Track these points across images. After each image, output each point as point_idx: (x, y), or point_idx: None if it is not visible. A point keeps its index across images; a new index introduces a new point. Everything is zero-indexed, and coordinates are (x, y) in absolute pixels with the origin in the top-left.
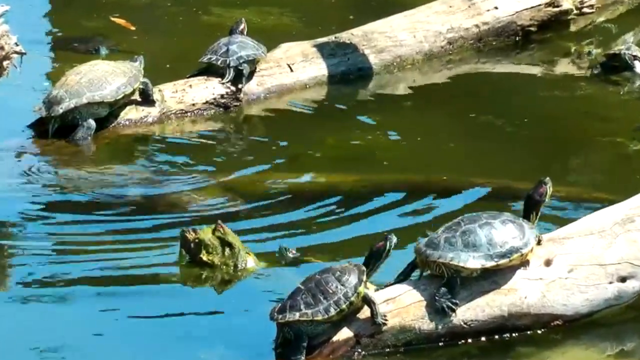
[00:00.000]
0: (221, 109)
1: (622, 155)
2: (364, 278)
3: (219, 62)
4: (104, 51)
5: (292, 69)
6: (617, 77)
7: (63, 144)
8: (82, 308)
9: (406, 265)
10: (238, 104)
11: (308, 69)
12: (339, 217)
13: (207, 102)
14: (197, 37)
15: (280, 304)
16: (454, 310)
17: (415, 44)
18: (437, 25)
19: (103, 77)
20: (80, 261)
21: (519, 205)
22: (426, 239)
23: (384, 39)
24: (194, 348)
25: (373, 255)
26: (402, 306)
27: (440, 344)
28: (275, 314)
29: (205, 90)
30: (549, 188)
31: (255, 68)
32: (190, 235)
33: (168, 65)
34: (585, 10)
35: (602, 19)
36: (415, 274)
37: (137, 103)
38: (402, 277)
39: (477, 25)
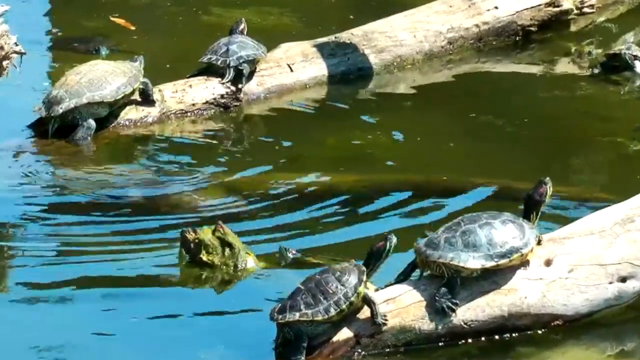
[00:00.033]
0: (221, 109)
1: (622, 155)
2: (364, 278)
3: (219, 62)
4: (104, 51)
5: (292, 69)
6: (618, 77)
7: (63, 144)
8: (82, 308)
9: (406, 265)
10: (238, 104)
11: (308, 69)
12: (339, 217)
13: (207, 102)
14: (197, 37)
15: (280, 304)
16: (454, 311)
17: (416, 44)
18: (437, 25)
19: (103, 77)
20: (80, 262)
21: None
22: (426, 239)
23: (384, 38)
24: (194, 348)
25: (373, 256)
26: (402, 306)
27: (441, 344)
28: (275, 314)
29: (205, 90)
30: (549, 188)
31: (255, 68)
32: (190, 236)
33: (168, 65)
34: (586, 10)
35: (602, 18)
36: (416, 274)
37: (137, 103)
38: (402, 277)
39: (477, 25)
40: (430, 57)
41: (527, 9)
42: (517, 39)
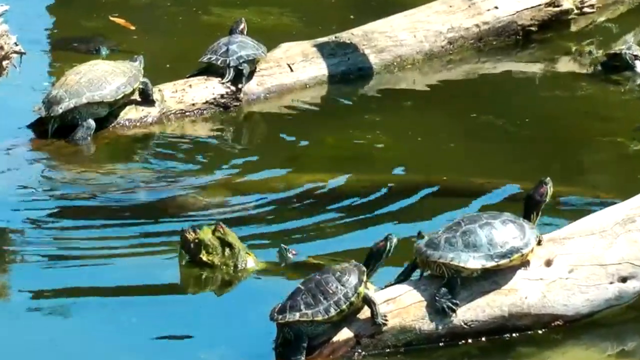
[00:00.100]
0: (221, 109)
1: (623, 155)
2: (364, 278)
3: (219, 62)
4: (104, 51)
5: (292, 69)
6: (618, 76)
7: (63, 144)
8: (82, 308)
9: (406, 266)
10: (238, 103)
11: (308, 68)
12: (339, 217)
13: (207, 102)
14: (197, 37)
15: (280, 304)
16: (454, 311)
17: (416, 44)
18: (437, 25)
19: (103, 77)
20: (80, 264)
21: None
22: (426, 239)
23: (384, 38)
24: (194, 348)
25: (373, 256)
26: (402, 306)
27: (441, 344)
28: (275, 314)
29: (205, 90)
30: (549, 188)
31: (255, 68)
32: (190, 236)
33: (168, 65)
34: (586, 10)
35: (602, 18)
36: (416, 274)
37: (137, 103)
38: (403, 277)
39: (477, 25)
40: (430, 57)
41: (527, 8)
42: (518, 39)
